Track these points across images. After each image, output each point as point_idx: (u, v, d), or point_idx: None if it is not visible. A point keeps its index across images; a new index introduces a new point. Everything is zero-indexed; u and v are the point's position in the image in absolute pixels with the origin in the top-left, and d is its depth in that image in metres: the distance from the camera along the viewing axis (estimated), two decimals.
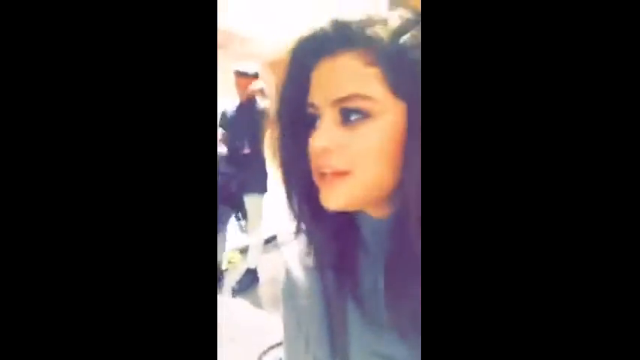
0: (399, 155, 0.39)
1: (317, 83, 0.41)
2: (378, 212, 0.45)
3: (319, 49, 0.41)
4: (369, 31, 0.39)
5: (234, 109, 2.66)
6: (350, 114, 0.39)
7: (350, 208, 0.42)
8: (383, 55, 0.38)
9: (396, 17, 0.40)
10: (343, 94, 0.39)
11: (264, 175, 2.67)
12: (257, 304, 2.58)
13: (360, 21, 0.40)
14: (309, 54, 0.42)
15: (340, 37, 0.39)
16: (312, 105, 0.41)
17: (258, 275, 2.87)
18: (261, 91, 2.52)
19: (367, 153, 0.39)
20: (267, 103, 2.52)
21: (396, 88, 0.39)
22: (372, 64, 0.38)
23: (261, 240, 2.83)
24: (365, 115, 0.39)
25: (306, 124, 0.43)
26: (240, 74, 2.54)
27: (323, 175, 0.41)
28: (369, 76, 0.38)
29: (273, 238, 3.62)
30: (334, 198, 0.40)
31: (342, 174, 0.40)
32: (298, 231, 0.49)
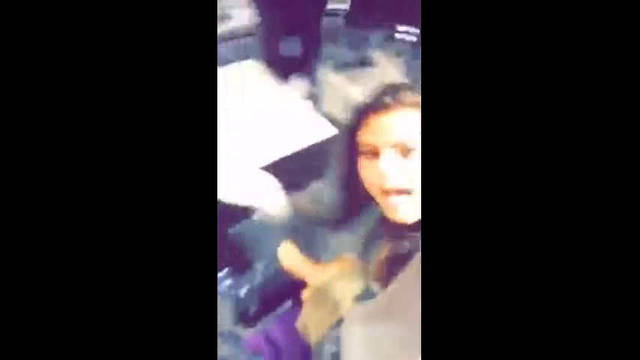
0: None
1: (377, 128, 0.53)
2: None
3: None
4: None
5: None
6: (406, 150, 0.51)
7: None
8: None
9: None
10: (405, 140, 0.51)
11: None
12: None
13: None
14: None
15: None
16: (368, 144, 0.54)
17: None
18: None
19: (418, 174, 0.51)
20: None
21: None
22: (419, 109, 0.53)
23: None
24: (413, 149, 0.51)
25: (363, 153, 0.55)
26: None
27: (382, 191, 0.53)
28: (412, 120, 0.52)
29: None
30: (399, 211, 0.53)
31: (402, 191, 0.52)
32: None
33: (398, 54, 1.33)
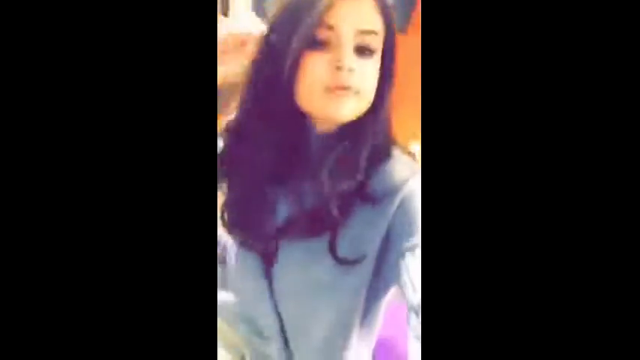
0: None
1: (339, 8, 0.47)
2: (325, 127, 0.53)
3: None
4: None
5: None
6: (364, 48, 0.49)
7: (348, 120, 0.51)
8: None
9: None
10: (367, 27, 0.48)
11: None
12: None
13: None
14: None
15: None
16: (330, 27, 0.48)
17: None
18: None
19: (372, 81, 0.50)
20: None
21: (386, 31, 0.51)
22: (375, 4, 0.49)
23: None
24: (372, 50, 0.49)
25: (313, 43, 0.48)
26: None
27: (335, 89, 0.48)
28: (378, 15, 0.49)
29: None
30: (344, 109, 0.49)
31: (353, 90, 0.49)
32: None
33: None
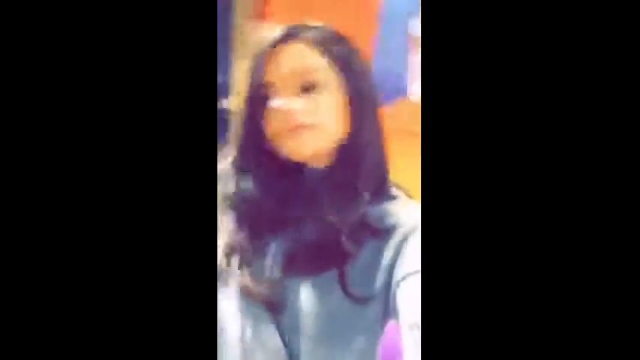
0: (348, 115, 0.53)
1: (275, 64, 0.52)
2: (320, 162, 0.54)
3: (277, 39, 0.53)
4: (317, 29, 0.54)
5: None
6: (307, 86, 0.51)
7: (313, 158, 0.53)
8: (321, 39, 0.53)
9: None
10: (305, 65, 0.51)
11: None
12: None
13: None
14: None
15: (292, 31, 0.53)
16: (270, 84, 0.52)
17: None
18: None
19: (326, 112, 0.52)
20: None
21: (335, 62, 0.53)
22: (316, 46, 0.52)
23: None
24: (317, 85, 0.51)
25: (262, 102, 0.52)
26: None
27: (288, 131, 0.51)
28: (316, 54, 0.52)
29: None
30: (304, 146, 0.51)
31: (309, 127, 0.51)
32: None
33: None
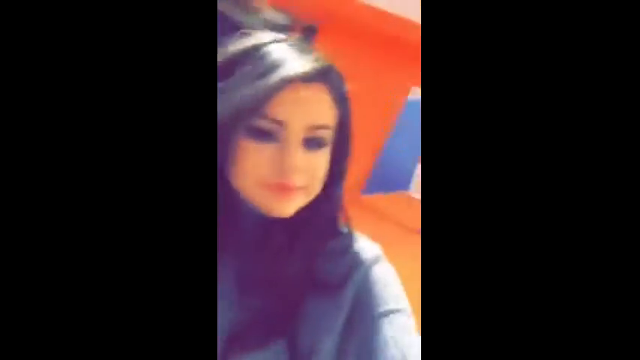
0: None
1: (289, 102, 0.42)
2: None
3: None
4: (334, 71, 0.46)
5: None
6: (314, 142, 0.44)
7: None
8: (334, 91, 0.45)
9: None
10: (319, 123, 0.44)
11: None
12: None
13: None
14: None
15: (319, 71, 0.44)
16: (278, 121, 0.42)
17: None
18: None
19: (321, 174, 0.46)
20: None
21: (340, 120, 0.47)
22: (330, 97, 0.45)
23: None
24: (323, 143, 0.45)
25: (258, 134, 0.43)
26: None
27: (277, 186, 0.43)
28: (331, 109, 0.45)
29: None
30: (289, 207, 0.44)
31: (300, 189, 0.44)
32: None
33: None
